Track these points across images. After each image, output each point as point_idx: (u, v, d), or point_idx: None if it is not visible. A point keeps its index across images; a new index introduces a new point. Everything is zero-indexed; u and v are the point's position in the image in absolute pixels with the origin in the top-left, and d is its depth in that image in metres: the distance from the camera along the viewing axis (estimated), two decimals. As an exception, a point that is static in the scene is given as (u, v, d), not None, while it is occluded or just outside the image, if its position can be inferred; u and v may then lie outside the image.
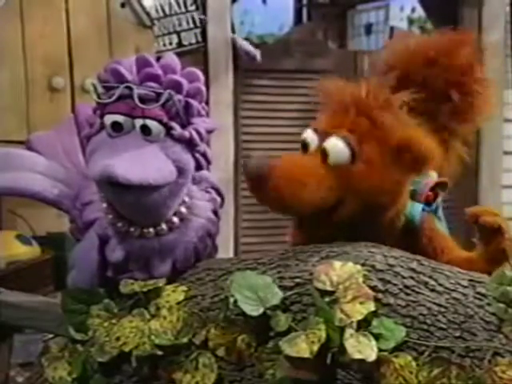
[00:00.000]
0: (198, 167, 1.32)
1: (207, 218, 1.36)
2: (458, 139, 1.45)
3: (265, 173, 1.22)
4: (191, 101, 1.26)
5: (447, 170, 1.43)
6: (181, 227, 1.32)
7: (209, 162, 1.34)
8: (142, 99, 1.23)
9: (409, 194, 1.34)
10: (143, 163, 1.21)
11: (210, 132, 1.31)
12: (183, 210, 1.32)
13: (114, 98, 1.23)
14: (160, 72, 1.25)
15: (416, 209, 1.35)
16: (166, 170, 1.23)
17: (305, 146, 1.31)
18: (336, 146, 1.26)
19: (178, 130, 1.25)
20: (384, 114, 1.26)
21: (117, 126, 1.24)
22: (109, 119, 1.24)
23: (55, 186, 1.38)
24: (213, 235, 1.38)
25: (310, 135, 1.31)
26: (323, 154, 1.27)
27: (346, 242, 1.26)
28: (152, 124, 1.23)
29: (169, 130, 1.25)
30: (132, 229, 1.29)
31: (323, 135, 1.28)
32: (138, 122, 1.24)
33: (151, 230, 1.29)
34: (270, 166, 1.23)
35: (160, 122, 1.24)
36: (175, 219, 1.31)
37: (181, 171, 1.25)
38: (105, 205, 1.31)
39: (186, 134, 1.26)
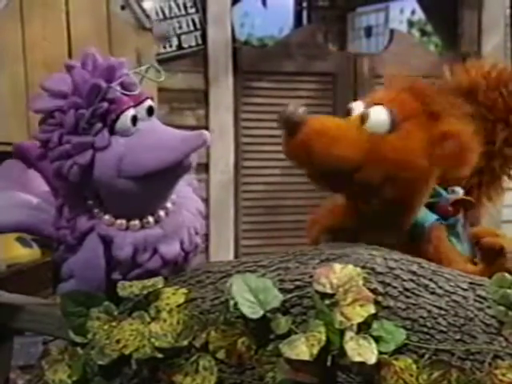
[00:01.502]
0: None
1: (192, 198, 1.39)
2: (505, 169, 1.47)
3: (299, 120, 1.22)
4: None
5: (491, 193, 1.46)
6: (176, 210, 1.34)
7: None
8: (131, 86, 1.28)
9: (428, 204, 1.34)
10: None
11: None
12: (173, 195, 1.35)
13: (136, 89, 1.28)
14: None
15: (428, 216, 1.34)
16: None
17: (348, 113, 1.30)
18: (378, 113, 1.25)
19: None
20: (439, 104, 1.26)
21: (134, 120, 1.27)
22: (126, 116, 1.26)
23: (33, 214, 1.36)
24: (202, 213, 1.41)
25: (356, 104, 1.30)
26: (363, 117, 1.26)
27: (346, 244, 1.26)
28: (152, 103, 1.31)
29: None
30: (132, 223, 1.30)
31: (369, 105, 1.28)
32: (144, 107, 1.29)
33: (150, 219, 1.31)
34: (304, 117, 1.23)
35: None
36: (169, 205, 1.33)
37: None
38: (97, 210, 1.31)
39: None
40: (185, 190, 1.39)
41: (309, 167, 1.29)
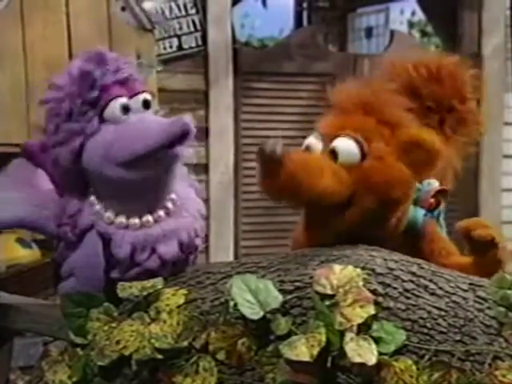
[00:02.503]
0: None
1: (194, 199, 1.40)
2: (459, 150, 1.46)
3: (280, 157, 1.20)
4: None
5: (449, 179, 1.45)
6: (176, 211, 1.34)
7: None
8: (126, 79, 1.30)
9: (412, 200, 1.35)
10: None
11: None
12: (173, 196, 1.35)
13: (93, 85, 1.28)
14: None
15: (419, 213, 1.36)
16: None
17: (307, 150, 1.30)
18: (346, 145, 1.25)
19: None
20: (390, 111, 1.27)
21: (125, 109, 1.28)
22: (116, 104, 1.28)
23: (35, 211, 1.37)
24: (203, 215, 1.41)
25: (312, 141, 1.30)
26: (332, 154, 1.26)
27: (346, 246, 1.26)
28: (148, 96, 1.32)
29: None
30: (132, 221, 1.31)
31: (327, 138, 1.28)
32: (139, 99, 1.30)
33: (150, 218, 1.31)
34: (285, 153, 1.20)
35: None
36: (169, 205, 1.34)
37: None
38: (98, 206, 1.32)
39: None
40: (186, 191, 1.40)
41: (296, 202, 1.30)
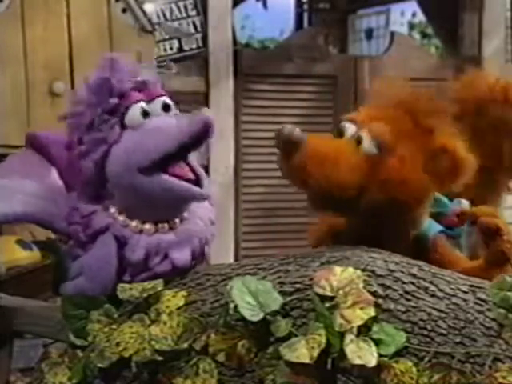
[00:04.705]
0: None
1: (206, 207, 1.40)
2: (509, 183, 1.51)
3: (297, 140, 1.22)
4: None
5: (494, 205, 1.47)
6: (190, 219, 1.35)
7: None
8: (145, 83, 1.31)
9: (434, 215, 1.35)
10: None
11: None
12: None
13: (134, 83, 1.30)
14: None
15: (432, 227, 1.35)
16: None
17: (340, 134, 1.31)
18: (369, 135, 1.25)
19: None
20: (430, 118, 1.27)
21: (145, 113, 1.28)
22: (135, 109, 1.28)
23: (45, 206, 1.36)
24: (214, 222, 1.41)
25: (346, 125, 1.30)
26: (358, 140, 1.26)
27: (347, 247, 1.26)
28: (168, 100, 1.32)
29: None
30: (147, 226, 1.31)
31: (361, 125, 1.28)
32: (158, 103, 1.30)
33: (165, 224, 1.32)
34: (302, 137, 1.23)
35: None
36: (184, 212, 1.34)
37: None
38: (113, 209, 1.32)
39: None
40: None
41: (306, 190, 1.30)
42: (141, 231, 1.31)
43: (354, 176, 1.23)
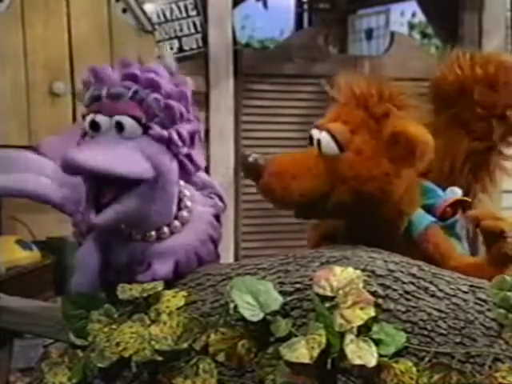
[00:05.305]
0: (184, 171, 1.30)
1: (209, 223, 1.37)
2: (501, 164, 1.48)
3: (259, 169, 1.28)
4: (172, 102, 1.25)
5: (488, 187, 1.47)
6: (182, 231, 1.33)
7: (197, 167, 1.31)
8: (117, 97, 1.24)
9: (427, 206, 1.35)
10: (112, 155, 1.20)
11: (192, 135, 1.28)
12: (185, 214, 1.34)
13: (86, 97, 1.26)
14: (138, 72, 1.25)
15: (422, 217, 1.34)
16: (139, 166, 1.22)
17: (311, 141, 1.33)
18: (325, 137, 1.28)
19: (155, 129, 1.24)
20: (379, 105, 1.27)
21: (95, 126, 1.25)
22: (87, 120, 1.26)
23: (60, 189, 1.38)
24: (215, 240, 1.39)
25: (313, 131, 1.32)
26: (318, 145, 1.29)
27: (347, 247, 1.26)
28: (125, 120, 1.23)
29: (147, 129, 1.24)
30: (134, 232, 1.31)
31: (321, 128, 1.30)
32: (113, 120, 1.24)
33: (153, 233, 1.31)
34: (264, 164, 1.28)
35: (135, 119, 1.23)
36: (177, 223, 1.33)
37: (159, 171, 1.24)
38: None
39: (165, 133, 1.24)
40: (203, 199, 1.40)
41: (279, 206, 1.34)
42: (129, 236, 1.31)
43: (317, 181, 1.27)
